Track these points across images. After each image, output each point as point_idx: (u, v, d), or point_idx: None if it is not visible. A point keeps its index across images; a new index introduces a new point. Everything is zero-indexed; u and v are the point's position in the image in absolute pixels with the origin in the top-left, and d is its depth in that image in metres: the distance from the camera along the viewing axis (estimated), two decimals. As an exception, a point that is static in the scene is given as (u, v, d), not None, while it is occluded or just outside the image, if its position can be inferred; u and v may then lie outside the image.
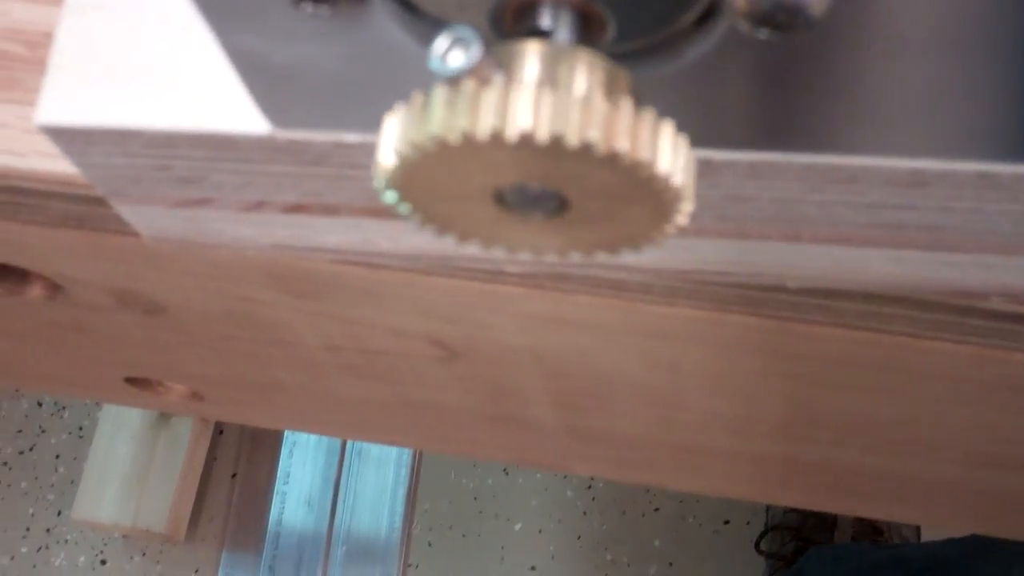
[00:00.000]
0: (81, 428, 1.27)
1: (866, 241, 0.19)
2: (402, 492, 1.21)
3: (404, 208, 0.15)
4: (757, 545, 1.02)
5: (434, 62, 0.13)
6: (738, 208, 0.19)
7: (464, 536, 1.16)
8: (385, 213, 0.21)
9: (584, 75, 0.14)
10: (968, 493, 0.33)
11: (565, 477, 1.15)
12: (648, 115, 0.13)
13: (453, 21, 0.15)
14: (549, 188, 0.14)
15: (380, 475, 1.23)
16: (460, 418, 0.36)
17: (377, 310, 0.28)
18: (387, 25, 0.15)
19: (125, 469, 1.17)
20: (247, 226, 0.22)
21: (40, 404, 1.27)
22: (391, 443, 0.40)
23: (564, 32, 0.14)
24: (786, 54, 0.14)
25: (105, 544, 1.23)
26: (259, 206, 0.21)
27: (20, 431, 1.27)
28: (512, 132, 0.13)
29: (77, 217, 0.26)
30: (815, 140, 0.17)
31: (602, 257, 0.15)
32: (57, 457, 1.29)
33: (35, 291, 0.32)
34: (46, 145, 0.24)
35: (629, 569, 1.12)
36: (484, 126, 0.13)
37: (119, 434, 1.18)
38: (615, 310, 0.25)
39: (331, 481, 1.23)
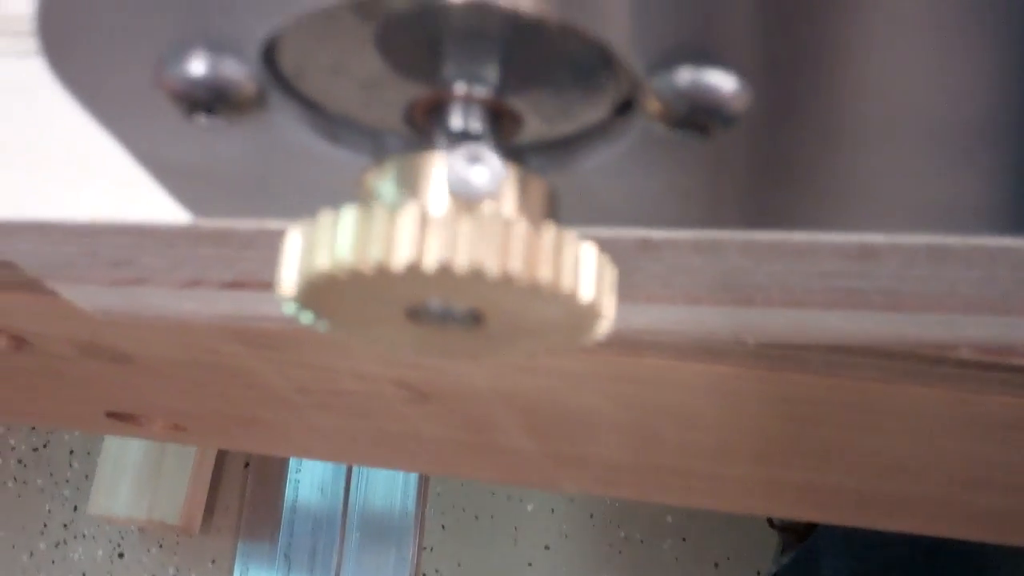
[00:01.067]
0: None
1: (823, 304, 0.19)
2: (414, 476, 1.21)
3: (311, 321, 0.14)
4: (771, 520, 1.02)
5: (455, 183, 0.13)
6: (685, 279, 0.18)
7: (477, 518, 1.17)
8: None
9: (498, 189, 0.13)
10: (958, 509, 0.32)
11: (576, 456, 1.15)
12: (570, 239, 0.12)
13: (360, 119, 0.15)
14: (466, 309, 0.13)
15: (391, 461, 1.23)
16: (441, 447, 0.35)
17: (340, 357, 0.27)
18: (290, 125, 0.14)
19: (138, 463, 1.17)
20: (188, 301, 0.21)
21: (52, 400, 1.28)
22: (383, 467, 0.39)
23: (475, 130, 0.14)
24: (712, 146, 0.14)
25: (122, 538, 1.24)
26: (195, 284, 0.20)
27: (33, 428, 1.27)
28: (429, 263, 0.12)
29: (29, 283, 0.25)
30: (754, 218, 0.16)
31: (521, 356, 0.15)
32: (71, 453, 1.30)
33: (2, 342, 0.31)
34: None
35: (643, 545, 1.12)
36: (399, 257, 0.12)
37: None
38: (579, 359, 0.24)
39: (343, 467, 1.23)
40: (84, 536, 1.24)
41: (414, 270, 0.12)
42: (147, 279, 0.20)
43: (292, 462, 1.22)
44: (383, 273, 0.12)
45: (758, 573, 1.08)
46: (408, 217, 0.12)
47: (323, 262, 0.13)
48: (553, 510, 1.15)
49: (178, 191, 0.16)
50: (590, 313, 0.13)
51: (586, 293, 0.13)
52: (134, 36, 0.13)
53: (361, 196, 0.13)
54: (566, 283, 0.12)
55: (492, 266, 0.12)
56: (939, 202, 0.15)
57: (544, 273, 0.12)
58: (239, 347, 0.27)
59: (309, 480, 1.23)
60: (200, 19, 0.13)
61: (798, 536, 0.97)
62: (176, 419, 0.38)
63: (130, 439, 1.17)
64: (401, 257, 0.12)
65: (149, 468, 1.17)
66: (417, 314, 0.14)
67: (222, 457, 1.22)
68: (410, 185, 0.13)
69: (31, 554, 1.25)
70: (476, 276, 0.12)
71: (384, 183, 0.13)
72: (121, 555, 1.25)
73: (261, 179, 0.16)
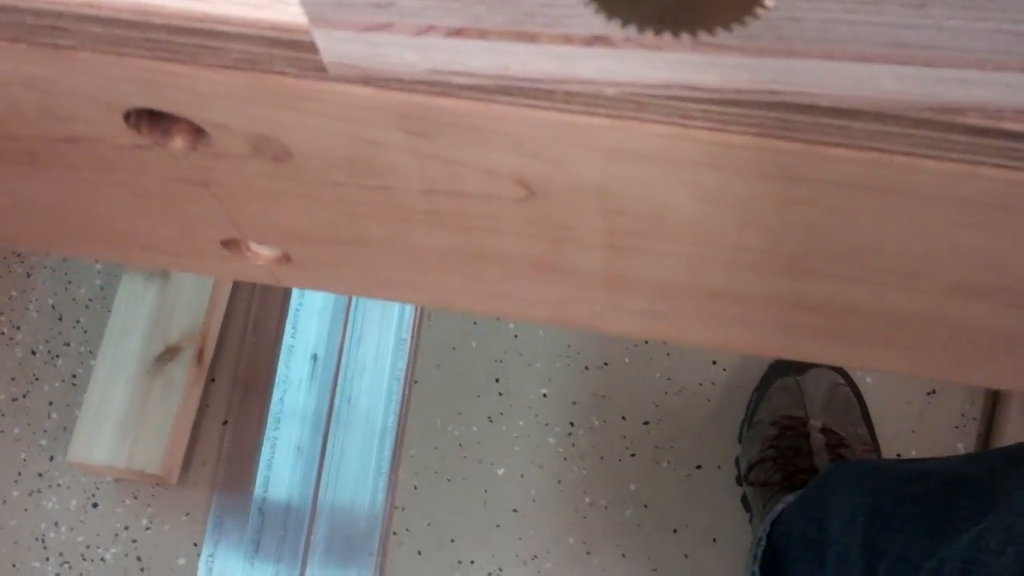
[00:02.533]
0: (75, 376, 1.32)
1: (881, 58, 0.27)
2: (389, 439, 1.28)
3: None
4: (747, 477, 1.08)
5: None
6: (791, 27, 0.26)
7: (449, 480, 1.23)
8: (522, 36, 0.28)
9: None
10: (944, 330, 0.41)
11: (547, 424, 1.22)
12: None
13: None
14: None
15: (368, 422, 1.29)
16: (519, 270, 0.43)
17: (480, 149, 0.35)
18: None
19: (120, 412, 1.22)
20: (412, 50, 0.29)
21: (34, 352, 1.32)
22: (448, 304, 0.47)
23: None
24: None
25: (97, 488, 1.28)
26: (428, 30, 0.28)
27: (13, 379, 1.31)
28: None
29: (250, 59, 0.32)
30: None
31: (721, 25, 0.23)
32: (50, 404, 1.34)
33: (178, 141, 0.39)
34: (237, -7, 0.31)
35: (606, 511, 1.19)
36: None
37: (115, 379, 1.23)
38: (679, 139, 0.32)
39: (320, 427, 1.29)
40: (59, 486, 1.28)
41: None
42: (393, 24, 0.28)
43: (270, 420, 1.27)
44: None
45: (714, 539, 1.16)
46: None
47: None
48: (522, 475, 1.22)
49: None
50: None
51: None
52: None
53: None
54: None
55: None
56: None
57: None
58: (399, 135, 0.35)
59: (286, 438, 1.28)
60: None
61: (778, 487, 1.03)
62: (289, 244, 0.45)
63: (114, 389, 1.22)
64: None
65: (131, 418, 1.21)
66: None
67: (201, 412, 1.27)
68: None
69: (3, 501, 1.28)
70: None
71: None
72: (95, 505, 1.29)
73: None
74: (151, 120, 0.38)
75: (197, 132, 0.38)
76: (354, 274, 0.46)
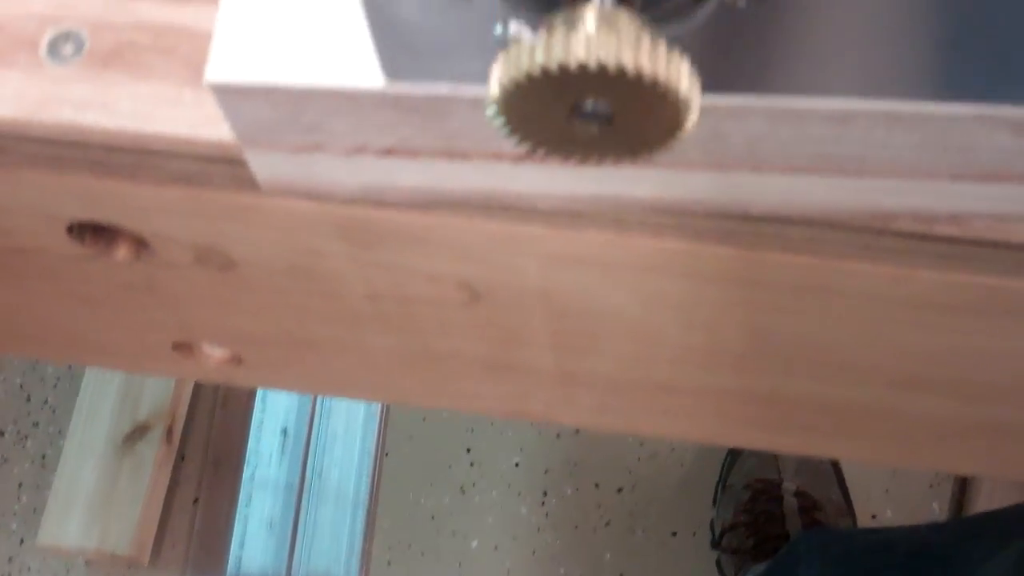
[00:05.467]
0: (44, 457, 1.30)
1: (809, 170, 0.27)
2: (361, 512, 1.27)
3: (503, 123, 0.22)
4: (719, 543, 1.08)
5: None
6: (717, 144, 0.26)
7: (423, 554, 1.22)
8: (453, 155, 0.28)
9: (628, 24, 0.21)
10: (894, 422, 0.41)
11: (519, 494, 1.22)
12: (675, 51, 0.21)
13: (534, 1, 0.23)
14: (603, 107, 0.21)
15: (340, 495, 1.28)
16: (470, 369, 0.43)
17: (421, 256, 0.35)
18: (489, 1, 0.22)
19: (90, 494, 1.20)
20: (345, 169, 0.29)
21: (2, 433, 1.30)
22: (404, 402, 0.46)
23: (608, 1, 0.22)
24: (759, 16, 0.22)
25: (68, 571, 1.26)
26: (359, 150, 0.28)
27: (-16, 463, 1.30)
28: (591, 60, 0.20)
29: (188, 175, 0.32)
30: (776, 82, 0.24)
31: (638, 159, 0.23)
32: (20, 485, 1.32)
33: (122, 252, 0.38)
34: (173, 113, 0.31)
35: (581, 581, 1.18)
36: (572, 55, 0.20)
37: (84, 459, 1.22)
38: (616, 247, 0.32)
39: (292, 501, 1.28)
40: (30, 570, 1.26)
41: (579, 66, 0.20)
42: (324, 144, 0.28)
43: (242, 497, 1.26)
44: (560, 69, 0.20)
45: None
46: (576, 34, 0.20)
47: (523, 66, 0.20)
48: (496, 547, 1.21)
49: (386, 52, 0.24)
50: (685, 104, 0.21)
51: (684, 88, 0.21)
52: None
53: (543, 32, 0.21)
54: (671, 76, 0.20)
55: (630, 61, 0.20)
56: (895, 74, 0.23)
57: (653, 67, 0.20)
58: (340, 245, 0.35)
59: (258, 515, 1.27)
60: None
61: (749, 556, 1.03)
62: (240, 347, 0.45)
63: (83, 469, 1.20)
64: (556, 60, 0.20)
65: (101, 498, 1.20)
66: (574, 112, 0.22)
67: (172, 491, 1.26)
68: (573, 24, 0.21)
69: (-27, 588, 1.26)
70: (617, 69, 0.20)
71: (558, 21, 0.21)
72: (67, 588, 1.27)
73: (451, 46, 0.24)
74: (94, 232, 0.38)
75: (140, 243, 0.38)
76: (308, 374, 0.46)
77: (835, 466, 1.17)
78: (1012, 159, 0.26)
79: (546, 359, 0.41)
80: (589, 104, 0.22)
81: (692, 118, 0.21)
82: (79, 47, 0.32)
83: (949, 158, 0.26)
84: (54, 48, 0.32)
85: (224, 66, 0.26)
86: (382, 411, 1.31)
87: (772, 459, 1.15)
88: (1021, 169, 0.26)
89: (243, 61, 0.26)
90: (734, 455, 1.19)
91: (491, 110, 0.22)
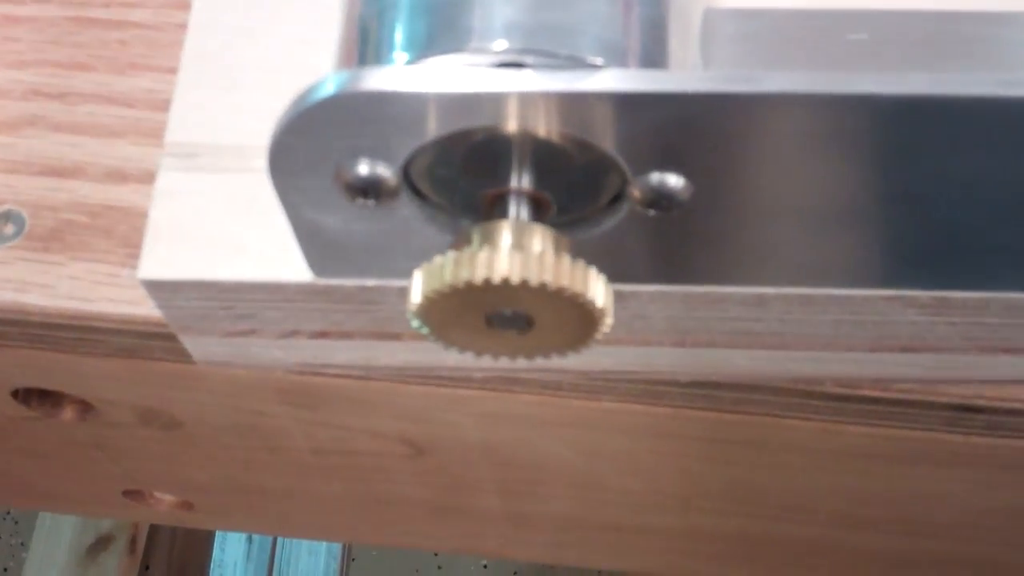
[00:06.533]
0: (6, 570, 1.28)
1: (730, 344, 0.28)
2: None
3: (426, 331, 0.23)
4: None
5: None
6: (641, 324, 0.27)
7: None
8: (384, 336, 0.29)
9: (539, 240, 0.22)
10: (839, 556, 0.41)
11: (488, 595, 1.20)
12: (581, 264, 0.21)
13: (452, 207, 0.23)
14: (520, 313, 0.22)
15: (310, 602, 1.26)
16: (419, 512, 0.43)
17: (362, 416, 0.35)
18: (408, 210, 0.23)
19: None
20: (278, 350, 0.29)
21: (-37, 548, 1.28)
22: (356, 541, 0.46)
23: (523, 212, 0.23)
24: (669, 222, 0.23)
25: None
26: (292, 334, 0.28)
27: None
28: (497, 278, 0.21)
29: (129, 349, 0.33)
30: (692, 276, 0.25)
31: (555, 358, 0.23)
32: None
33: (68, 413, 0.39)
34: (111, 292, 0.32)
35: None
36: (478, 275, 0.21)
37: (46, 572, 1.20)
38: (551, 406, 0.33)
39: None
40: None
41: (489, 283, 0.21)
42: (257, 330, 0.28)
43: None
44: (470, 287, 0.21)
45: None
46: (483, 254, 0.21)
47: (440, 282, 0.21)
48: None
49: (312, 254, 0.25)
50: (600, 314, 0.22)
51: (595, 296, 0.21)
52: (329, 155, 0.22)
53: (456, 248, 0.22)
54: (581, 289, 0.21)
55: (533, 279, 0.21)
56: (810, 265, 0.24)
57: (566, 283, 0.21)
58: (281, 407, 0.35)
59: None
60: (367, 140, 0.21)
61: None
62: (189, 495, 0.45)
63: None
64: (479, 275, 0.21)
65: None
66: (492, 320, 0.22)
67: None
68: (486, 239, 0.22)
69: None
70: (524, 286, 0.21)
71: (471, 238, 0.22)
72: None
73: (375, 249, 0.24)
74: (40, 395, 0.38)
75: (85, 405, 0.38)
76: (258, 518, 0.46)
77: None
78: (925, 332, 0.27)
79: (494, 503, 0.41)
80: (507, 311, 0.22)
81: (606, 322, 0.22)
82: (20, 228, 0.32)
83: (865, 332, 0.27)
84: (-5, 229, 0.32)
85: (155, 262, 0.27)
86: (348, 513, 1.30)
87: None
88: (934, 341, 0.27)
89: (174, 257, 0.27)
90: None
91: (414, 321, 0.22)
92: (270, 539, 1.28)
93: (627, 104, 0.21)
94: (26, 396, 0.38)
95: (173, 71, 0.30)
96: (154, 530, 1.27)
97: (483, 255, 0.21)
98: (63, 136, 0.33)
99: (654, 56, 0.22)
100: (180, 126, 0.28)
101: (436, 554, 1.23)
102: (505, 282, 0.21)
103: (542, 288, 0.21)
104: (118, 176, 0.33)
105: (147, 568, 1.25)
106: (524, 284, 0.21)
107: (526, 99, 0.21)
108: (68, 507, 0.48)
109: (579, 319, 0.22)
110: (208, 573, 1.27)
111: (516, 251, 0.21)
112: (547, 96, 0.21)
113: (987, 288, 0.26)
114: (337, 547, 1.26)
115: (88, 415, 0.38)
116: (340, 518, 0.44)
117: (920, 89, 0.20)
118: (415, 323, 0.22)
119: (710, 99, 0.20)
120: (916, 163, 0.22)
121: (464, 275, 0.21)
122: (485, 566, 1.22)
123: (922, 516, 0.37)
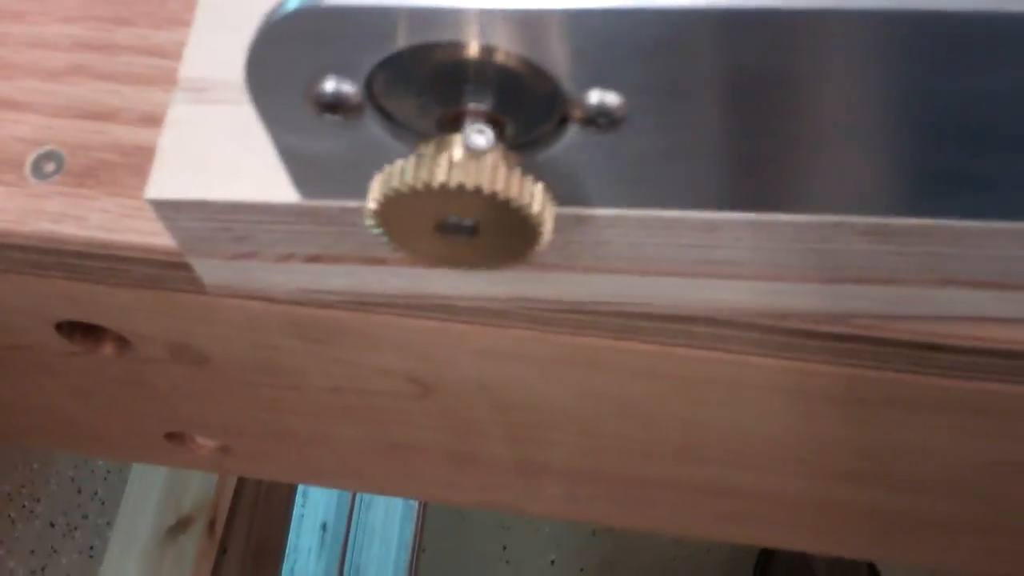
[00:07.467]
0: (92, 548, 1.33)
1: (692, 273, 0.29)
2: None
3: (383, 236, 0.25)
4: None
5: (469, 143, 0.23)
6: (604, 250, 0.29)
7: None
8: (371, 260, 0.31)
9: (491, 154, 0.24)
10: (836, 512, 0.42)
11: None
12: (528, 177, 0.23)
13: (415, 125, 0.26)
14: (467, 220, 0.24)
15: (376, 587, 1.29)
16: (436, 459, 0.45)
17: (369, 352, 0.37)
18: (375, 128, 0.25)
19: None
20: (278, 274, 0.32)
21: (53, 524, 1.34)
22: (382, 491, 0.49)
23: (481, 128, 0.25)
24: (614, 144, 0.25)
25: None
26: (288, 257, 0.31)
27: (32, 551, 1.33)
28: (439, 183, 0.23)
29: (152, 279, 0.35)
30: (640, 199, 0.27)
31: (503, 267, 0.25)
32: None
33: (107, 348, 0.42)
34: (137, 224, 0.34)
35: None
36: (437, 179, 0.23)
37: (128, 552, 1.25)
38: (541, 343, 0.34)
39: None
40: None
41: (444, 188, 0.23)
42: (256, 253, 0.31)
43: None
44: (427, 189, 0.23)
45: None
46: (442, 159, 0.23)
47: (393, 184, 0.23)
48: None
49: (297, 176, 0.27)
50: (538, 222, 0.24)
51: (536, 207, 0.23)
52: (298, 71, 0.24)
53: (415, 156, 0.24)
54: (524, 198, 0.23)
55: (486, 184, 0.23)
56: (760, 187, 0.26)
57: (513, 191, 0.23)
58: (294, 341, 0.37)
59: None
60: (332, 56, 0.24)
61: None
62: (225, 437, 0.48)
63: (127, 561, 1.23)
64: (438, 178, 0.23)
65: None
66: (441, 227, 0.24)
67: (214, 585, 1.27)
68: (444, 149, 0.24)
69: None
70: (477, 191, 0.23)
71: (428, 148, 0.24)
72: None
73: (351, 168, 0.27)
74: (83, 330, 0.41)
75: (122, 340, 0.41)
76: (290, 464, 0.48)
77: (871, 567, 1.16)
78: (874, 263, 0.28)
79: (503, 450, 0.43)
80: (455, 218, 0.24)
81: (546, 232, 0.24)
82: (59, 166, 0.36)
83: (817, 261, 0.28)
84: (37, 167, 0.36)
85: (161, 184, 0.29)
86: (419, 507, 1.32)
87: (804, 559, 1.15)
88: (885, 273, 0.28)
89: (178, 180, 0.29)
90: (767, 555, 1.18)
91: (369, 221, 0.25)
92: (343, 528, 1.31)
93: (567, 22, 0.22)
94: (70, 331, 0.41)
95: (201, 23, 0.33)
96: (233, 513, 1.31)
97: (440, 159, 0.23)
98: (103, 84, 0.37)
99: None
100: (193, 63, 0.31)
101: (504, 547, 1.25)
102: (457, 187, 0.23)
103: (492, 196, 0.23)
104: (150, 120, 0.36)
105: (224, 551, 1.29)
106: (472, 189, 0.23)
107: (485, 16, 0.23)
108: (115, 451, 0.51)
109: (520, 228, 0.24)
110: (283, 558, 1.30)
111: (469, 159, 0.23)
112: (503, 13, 0.23)
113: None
114: (408, 537, 1.28)
115: (125, 351, 0.41)
116: (365, 464, 0.47)
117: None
118: (370, 222, 0.25)
119: (636, 15, 0.22)
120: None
121: (423, 177, 0.23)
122: (552, 562, 1.23)
123: (908, 470, 0.37)
